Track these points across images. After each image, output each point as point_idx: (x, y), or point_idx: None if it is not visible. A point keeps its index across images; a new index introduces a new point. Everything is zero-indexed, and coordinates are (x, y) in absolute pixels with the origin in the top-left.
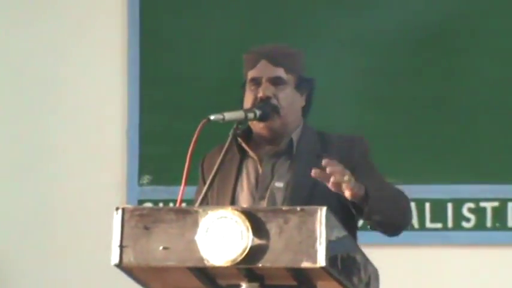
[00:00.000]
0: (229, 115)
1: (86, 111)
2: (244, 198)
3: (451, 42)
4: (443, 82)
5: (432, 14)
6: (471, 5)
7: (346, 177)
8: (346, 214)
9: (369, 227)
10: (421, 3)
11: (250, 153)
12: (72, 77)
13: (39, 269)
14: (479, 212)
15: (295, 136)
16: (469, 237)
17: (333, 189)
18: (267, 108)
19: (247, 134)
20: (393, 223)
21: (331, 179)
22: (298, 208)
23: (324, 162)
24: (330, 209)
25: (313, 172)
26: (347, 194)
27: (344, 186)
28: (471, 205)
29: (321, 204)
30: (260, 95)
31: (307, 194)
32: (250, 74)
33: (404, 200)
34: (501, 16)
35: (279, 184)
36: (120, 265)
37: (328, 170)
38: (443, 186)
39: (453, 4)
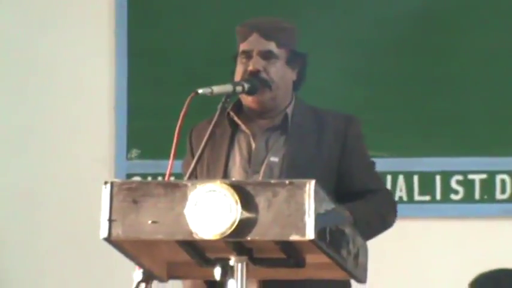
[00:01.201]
0: (217, 88)
1: (73, 86)
2: (236, 172)
3: (439, 19)
4: (432, 57)
5: None
6: None
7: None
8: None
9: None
10: None
11: (243, 127)
12: (59, 52)
13: (27, 243)
14: (468, 184)
15: (289, 111)
16: (457, 209)
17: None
18: (255, 82)
19: (239, 108)
20: (376, 235)
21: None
22: (287, 181)
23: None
24: (322, 183)
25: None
26: None
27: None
28: (459, 177)
29: (318, 178)
30: (250, 68)
31: (304, 168)
32: (242, 46)
33: (391, 209)
34: None
35: (274, 159)
36: (109, 239)
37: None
38: (432, 159)
39: None
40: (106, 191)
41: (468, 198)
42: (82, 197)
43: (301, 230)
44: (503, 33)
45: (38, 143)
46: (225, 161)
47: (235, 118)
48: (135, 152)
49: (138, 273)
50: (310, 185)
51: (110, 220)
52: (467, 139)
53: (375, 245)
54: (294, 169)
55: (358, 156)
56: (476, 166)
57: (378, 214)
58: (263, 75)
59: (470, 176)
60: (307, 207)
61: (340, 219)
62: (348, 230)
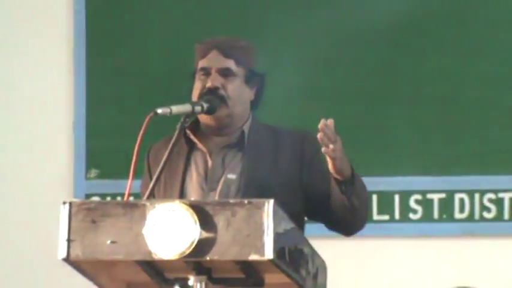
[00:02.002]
0: (176, 108)
1: (31, 104)
2: (193, 191)
3: (396, 36)
4: (392, 76)
5: (376, 11)
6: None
7: (336, 150)
8: (301, 204)
9: (329, 225)
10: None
11: (199, 145)
12: (18, 71)
13: None
14: (426, 204)
15: (245, 129)
16: (416, 228)
17: (332, 163)
18: (214, 101)
19: (195, 126)
20: (363, 214)
21: (333, 149)
22: (246, 201)
23: (326, 124)
24: (280, 201)
25: (323, 122)
26: (331, 165)
27: (332, 153)
28: (418, 197)
29: (276, 196)
30: (209, 85)
31: (262, 186)
32: (201, 63)
33: (366, 195)
34: (444, 13)
35: (232, 176)
36: (67, 259)
37: (325, 134)
38: (391, 178)
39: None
40: (65, 211)
41: (427, 217)
42: (40, 217)
43: (260, 250)
44: (459, 55)
45: None
46: (182, 179)
47: (192, 136)
48: (94, 172)
49: None
50: (269, 205)
51: (69, 240)
52: (426, 159)
53: (333, 264)
54: (252, 186)
55: (317, 168)
56: (435, 186)
57: (364, 185)
58: (221, 92)
59: (429, 196)
60: (266, 227)
61: (299, 239)
62: (306, 250)
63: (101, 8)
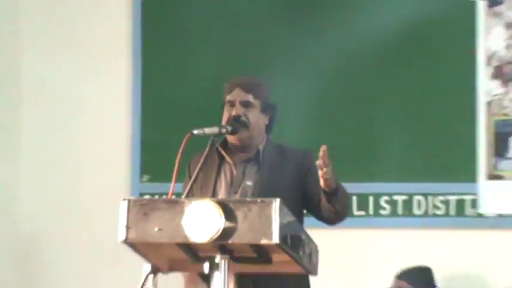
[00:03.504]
0: (208, 130)
1: (97, 125)
2: (222, 193)
3: (380, 69)
4: (372, 108)
5: (364, 44)
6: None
7: (328, 173)
8: (300, 204)
9: (319, 218)
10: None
11: (227, 158)
12: (88, 98)
13: (65, 247)
14: (393, 203)
15: (261, 147)
16: (385, 222)
17: (322, 176)
18: (236, 126)
19: (225, 144)
20: (343, 213)
21: (325, 173)
22: (259, 200)
23: (322, 151)
24: (284, 201)
25: (323, 150)
26: (322, 182)
27: (326, 175)
28: (386, 198)
29: (281, 197)
30: (233, 113)
31: (271, 190)
32: (228, 97)
33: (350, 200)
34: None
35: (249, 183)
36: (126, 241)
37: (322, 160)
38: (367, 184)
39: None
40: (124, 205)
41: (393, 213)
42: (106, 211)
43: (269, 236)
44: (417, 94)
45: (75, 170)
46: (214, 184)
47: (222, 152)
48: (145, 177)
49: (147, 267)
50: (276, 203)
51: (127, 227)
52: (394, 171)
53: (323, 248)
54: (264, 190)
55: (313, 179)
56: (399, 190)
57: (344, 201)
58: (243, 118)
59: (395, 197)
60: (274, 219)
61: (298, 228)
62: (303, 236)
63: (154, 50)
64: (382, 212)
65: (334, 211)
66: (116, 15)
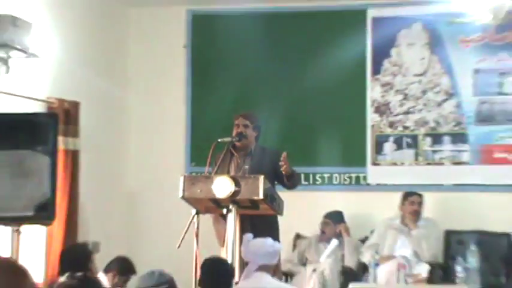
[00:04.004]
0: (226, 139)
1: (170, 134)
2: (232, 172)
3: (316, 99)
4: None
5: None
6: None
7: (286, 165)
8: (273, 179)
9: (283, 186)
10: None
11: (235, 154)
12: (162, 118)
13: (153, 201)
14: (322, 178)
15: (252, 148)
16: (318, 188)
17: (282, 167)
18: (240, 137)
19: (234, 146)
20: (295, 184)
21: (284, 166)
22: (252, 176)
23: (283, 156)
24: (265, 177)
25: (283, 156)
26: (284, 170)
27: (285, 167)
28: (319, 174)
29: (264, 174)
30: (239, 130)
31: (258, 171)
32: (236, 122)
33: (299, 177)
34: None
35: (246, 167)
36: (183, 197)
37: (283, 159)
38: (308, 167)
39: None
40: (182, 179)
41: (322, 183)
42: (170, 184)
43: (258, 194)
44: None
45: (158, 157)
46: (228, 167)
47: (232, 150)
48: (193, 164)
49: (193, 211)
50: (261, 178)
51: (183, 190)
52: (323, 159)
53: (285, 201)
54: (254, 172)
55: (279, 167)
56: (325, 170)
57: (297, 177)
58: (244, 133)
59: (324, 174)
60: (260, 186)
61: (273, 191)
62: (275, 195)
63: (199, 83)
64: (316, 182)
65: (290, 184)
66: (178, 65)
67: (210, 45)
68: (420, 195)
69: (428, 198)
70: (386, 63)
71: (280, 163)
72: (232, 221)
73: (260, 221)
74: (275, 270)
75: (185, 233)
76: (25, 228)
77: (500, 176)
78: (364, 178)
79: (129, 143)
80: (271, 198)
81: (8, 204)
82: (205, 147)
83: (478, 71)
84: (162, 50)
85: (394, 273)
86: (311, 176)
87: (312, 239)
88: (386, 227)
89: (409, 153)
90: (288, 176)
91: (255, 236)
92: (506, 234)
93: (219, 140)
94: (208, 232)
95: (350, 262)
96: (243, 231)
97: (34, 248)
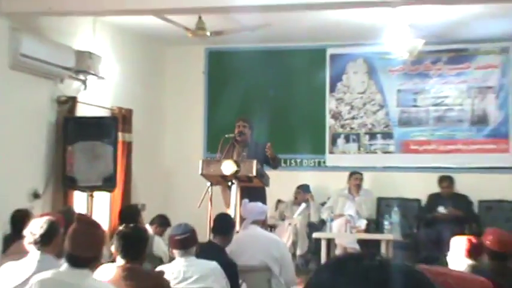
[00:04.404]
0: (231, 135)
1: (194, 129)
2: (234, 157)
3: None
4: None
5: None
6: None
7: (270, 151)
8: (263, 162)
9: (269, 167)
10: None
11: (237, 146)
12: (186, 118)
13: (184, 175)
14: (296, 161)
15: (249, 141)
16: (292, 169)
17: (268, 153)
18: (241, 134)
19: (235, 140)
20: (278, 166)
21: (269, 152)
22: (248, 160)
23: (268, 146)
24: (258, 161)
25: (268, 146)
26: (269, 155)
27: (269, 152)
28: (292, 160)
29: (257, 159)
30: (239, 130)
31: (253, 157)
32: (237, 124)
33: (280, 160)
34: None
35: (244, 154)
36: (201, 174)
37: (268, 148)
38: (286, 154)
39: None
40: (201, 162)
41: (295, 165)
42: (194, 165)
43: (252, 172)
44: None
45: (183, 146)
46: (232, 154)
47: (235, 143)
48: (208, 152)
49: (208, 183)
50: (254, 161)
51: (202, 169)
52: (296, 148)
53: (271, 177)
54: (250, 157)
55: (266, 153)
56: (297, 156)
57: (278, 161)
58: (243, 132)
59: (296, 160)
60: (253, 167)
61: (263, 170)
62: (265, 174)
63: (214, 93)
64: (292, 165)
65: (274, 165)
66: (198, 84)
67: (220, 71)
68: (361, 174)
69: (366, 176)
70: (339, 85)
71: (266, 149)
72: (234, 190)
73: (253, 191)
74: (263, 223)
75: (203, 198)
76: (96, 194)
77: (414, 161)
78: (324, 162)
79: (165, 137)
80: (261, 175)
81: (85, 178)
82: (217, 140)
83: (400, 91)
84: (188, 74)
85: (343, 225)
86: (288, 160)
87: (288, 203)
88: (338, 195)
89: (353, 145)
90: (272, 159)
91: (250, 200)
92: (417, 200)
93: (226, 136)
94: (218, 197)
95: (314, 218)
96: (242, 197)
97: (102, 208)
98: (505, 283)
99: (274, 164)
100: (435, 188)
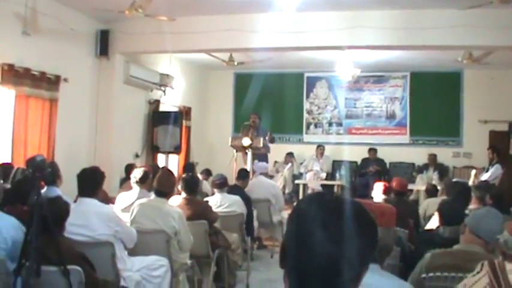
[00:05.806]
0: (247, 123)
1: (220, 125)
2: (249, 136)
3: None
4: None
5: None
6: None
7: (269, 135)
8: (265, 140)
9: (269, 142)
10: None
11: (251, 130)
12: (222, 112)
13: (219, 147)
14: (286, 139)
15: (258, 128)
16: (287, 141)
17: (268, 135)
18: (254, 123)
19: (250, 126)
20: (273, 142)
21: (269, 135)
22: (258, 137)
23: (268, 134)
24: (263, 138)
25: (268, 134)
26: (268, 137)
27: (269, 136)
28: (284, 138)
29: (263, 137)
30: (253, 120)
31: (261, 135)
32: (251, 116)
33: (274, 138)
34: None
35: (255, 134)
36: (231, 145)
37: (269, 135)
38: (280, 134)
39: None
40: (230, 138)
41: (284, 141)
42: (226, 140)
43: (260, 144)
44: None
45: (216, 134)
46: (248, 134)
47: (250, 128)
48: (234, 134)
49: (234, 150)
50: (261, 139)
51: (231, 142)
52: (286, 129)
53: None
54: (258, 136)
55: (269, 135)
56: (285, 135)
57: (274, 139)
58: (255, 121)
59: (286, 138)
60: (261, 142)
61: (267, 144)
62: (267, 146)
63: (239, 101)
64: (282, 141)
65: (271, 141)
66: (228, 95)
67: (242, 86)
68: (323, 147)
69: (327, 148)
70: (311, 94)
71: (267, 134)
72: (249, 155)
73: (260, 156)
74: (266, 174)
75: (232, 159)
76: (170, 156)
77: (354, 139)
78: (302, 139)
79: (209, 124)
80: (266, 147)
81: (164, 145)
82: (239, 125)
83: (347, 98)
84: (223, 89)
85: (312, 176)
86: (280, 137)
87: (281, 163)
88: (310, 158)
89: (319, 130)
90: (270, 138)
91: (258, 161)
92: (355, 162)
93: (245, 123)
94: (239, 159)
95: (296, 172)
96: (253, 159)
97: (173, 163)
98: (402, 209)
99: (272, 140)
100: (366, 155)
